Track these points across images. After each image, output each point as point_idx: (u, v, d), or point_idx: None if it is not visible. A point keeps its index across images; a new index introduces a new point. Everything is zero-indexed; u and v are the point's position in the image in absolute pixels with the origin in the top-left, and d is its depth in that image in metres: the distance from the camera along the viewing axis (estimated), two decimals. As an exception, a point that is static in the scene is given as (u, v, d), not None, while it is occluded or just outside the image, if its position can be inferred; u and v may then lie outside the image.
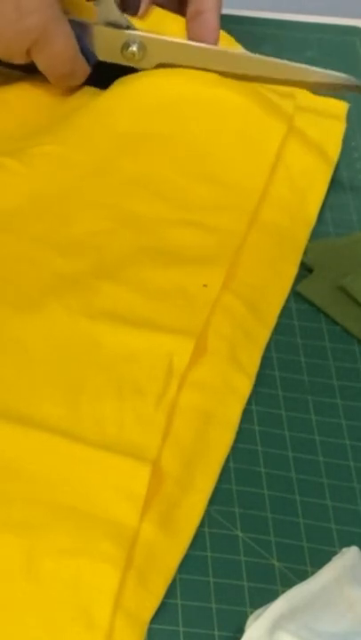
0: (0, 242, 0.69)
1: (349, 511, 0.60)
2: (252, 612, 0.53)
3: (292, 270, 0.72)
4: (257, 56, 0.80)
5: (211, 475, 0.60)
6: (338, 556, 0.56)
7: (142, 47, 0.78)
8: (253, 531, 0.58)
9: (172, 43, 0.79)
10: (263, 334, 0.67)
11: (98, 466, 0.57)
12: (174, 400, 0.61)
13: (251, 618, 0.52)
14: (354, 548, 0.56)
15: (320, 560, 0.56)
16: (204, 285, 0.67)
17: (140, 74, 0.79)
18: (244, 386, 0.64)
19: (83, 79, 0.80)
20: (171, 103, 0.78)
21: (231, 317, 0.67)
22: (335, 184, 0.79)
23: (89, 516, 0.55)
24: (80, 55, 0.78)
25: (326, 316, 0.70)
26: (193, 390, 0.63)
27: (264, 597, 0.54)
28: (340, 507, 0.60)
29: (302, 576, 0.55)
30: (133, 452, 0.58)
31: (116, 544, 0.54)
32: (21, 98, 0.81)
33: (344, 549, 0.56)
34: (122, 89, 0.79)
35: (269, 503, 0.59)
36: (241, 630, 0.52)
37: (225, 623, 0.54)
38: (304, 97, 0.80)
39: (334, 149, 0.80)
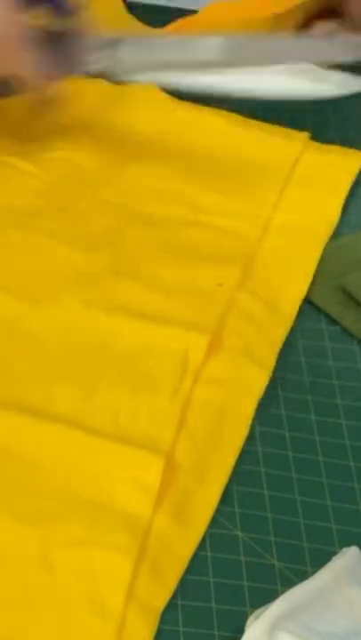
0: (17, 237, 0.70)
1: (349, 511, 0.60)
2: (252, 612, 0.53)
3: (310, 268, 0.72)
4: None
5: (224, 468, 0.60)
6: (338, 555, 0.56)
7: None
8: (253, 531, 0.58)
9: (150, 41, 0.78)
10: (280, 332, 0.68)
11: (112, 457, 0.58)
12: (189, 394, 0.62)
13: (251, 618, 0.52)
14: (354, 548, 0.56)
15: (320, 560, 0.56)
16: (220, 284, 0.68)
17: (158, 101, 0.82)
18: (260, 379, 0.64)
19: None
20: (187, 126, 0.80)
21: (247, 316, 0.68)
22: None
23: (103, 507, 0.56)
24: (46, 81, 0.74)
25: (326, 315, 0.70)
26: (208, 385, 0.63)
27: (264, 597, 0.54)
28: (340, 507, 0.60)
29: (302, 576, 0.55)
30: (147, 445, 0.59)
31: (130, 535, 0.55)
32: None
33: (344, 549, 0.56)
34: (139, 107, 0.81)
35: (269, 503, 0.59)
36: (241, 630, 0.52)
37: (225, 623, 0.54)
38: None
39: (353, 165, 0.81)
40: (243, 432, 0.62)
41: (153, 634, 0.53)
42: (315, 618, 0.52)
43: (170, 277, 0.68)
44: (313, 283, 0.72)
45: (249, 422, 0.62)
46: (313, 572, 0.55)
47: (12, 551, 0.54)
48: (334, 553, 0.56)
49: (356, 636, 0.52)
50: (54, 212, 0.72)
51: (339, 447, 0.63)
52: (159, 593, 0.54)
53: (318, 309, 0.71)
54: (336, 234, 0.76)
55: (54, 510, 0.56)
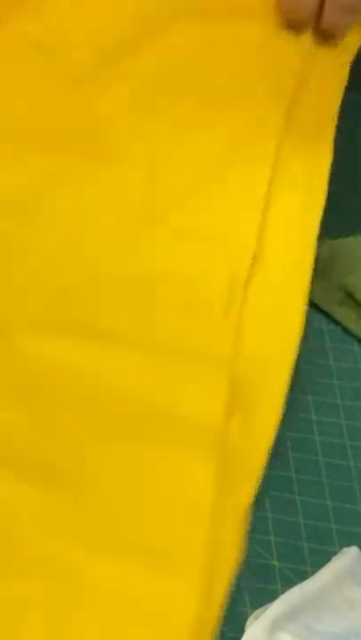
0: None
1: (349, 511, 0.60)
2: (252, 612, 0.53)
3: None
4: None
5: (283, 379, 0.61)
6: (338, 555, 0.56)
7: None
8: (254, 531, 0.58)
9: None
10: None
11: (177, 373, 0.59)
12: (241, 309, 0.64)
13: (251, 618, 0.52)
14: (354, 548, 0.56)
15: (320, 560, 0.56)
16: None
17: None
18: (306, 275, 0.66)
19: None
20: None
21: None
22: (335, 183, 0.79)
23: (176, 420, 0.58)
24: None
25: (326, 315, 0.70)
26: (256, 297, 0.65)
27: (264, 597, 0.54)
28: (340, 507, 0.60)
29: (302, 576, 0.55)
30: (209, 359, 0.60)
31: (206, 445, 0.56)
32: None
33: (344, 549, 0.56)
34: None
35: (270, 503, 0.59)
36: (241, 630, 0.52)
37: (225, 623, 0.54)
38: None
39: None
40: (294, 343, 0.63)
41: (243, 535, 0.54)
42: (315, 618, 0.52)
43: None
44: (313, 283, 0.72)
45: (302, 319, 0.63)
46: (313, 572, 0.55)
47: (103, 466, 0.55)
48: (334, 553, 0.56)
49: (357, 637, 0.52)
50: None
51: (339, 447, 0.63)
52: (240, 499, 0.55)
53: (318, 309, 0.71)
54: (336, 234, 0.76)
55: (132, 425, 0.57)
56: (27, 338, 0.61)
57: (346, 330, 0.70)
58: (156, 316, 0.62)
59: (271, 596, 0.53)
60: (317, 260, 0.73)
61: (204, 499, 0.55)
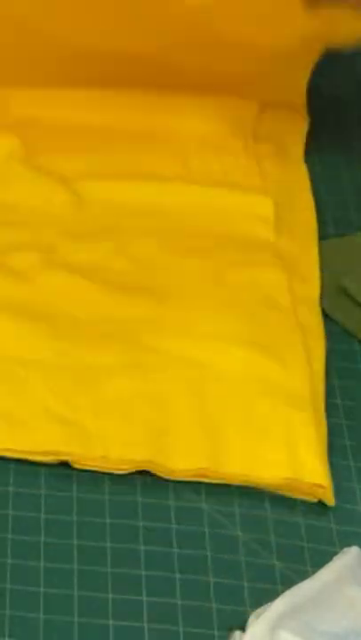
0: None
1: (349, 511, 0.60)
2: (252, 612, 0.53)
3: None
4: None
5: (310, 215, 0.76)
6: (338, 555, 0.56)
7: None
8: (253, 531, 0.58)
9: None
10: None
11: (231, 203, 0.74)
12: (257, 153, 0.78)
13: (252, 617, 0.52)
14: (354, 548, 0.56)
15: (320, 560, 0.56)
16: None
17: None
18: None
19: None
20: None
21: None
22: (335, 183, 0.79)
23: (233, 236, 0.72)
24: None
25: (326, 316, 0.70)
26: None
27: (264, 597, 0.54)
28: (340, 507, 0.60)
29: (302, 576, 0.55)
30: (250, 192, 0.76)
31: (267, 252, 0.71)
32: None
33: (344, 549, 0.56)
34: None
35: (269, 503, 0.59)
36: (242, 630, 0.52)
37: (225, 623, 0.54)
38: None
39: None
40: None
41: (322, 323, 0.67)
42: (316, 617, 0.52)
43: None
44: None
45: None
46: (313, 572, 0.55)
47: (194, 280, 0.70)
48: (334, 553, 0.56)
49: (357, 636, 0.52)
50: None
51: (339, 447, 0.63)
52: None
53: (318, 309, 0.71)
54: (336, 234, 0.76)
55: (208, 248, 0.72)
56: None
57: (346, 330, 0.69)
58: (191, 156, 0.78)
59: (271, 596, 0.53)
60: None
61: (282, 293, 0.68)
